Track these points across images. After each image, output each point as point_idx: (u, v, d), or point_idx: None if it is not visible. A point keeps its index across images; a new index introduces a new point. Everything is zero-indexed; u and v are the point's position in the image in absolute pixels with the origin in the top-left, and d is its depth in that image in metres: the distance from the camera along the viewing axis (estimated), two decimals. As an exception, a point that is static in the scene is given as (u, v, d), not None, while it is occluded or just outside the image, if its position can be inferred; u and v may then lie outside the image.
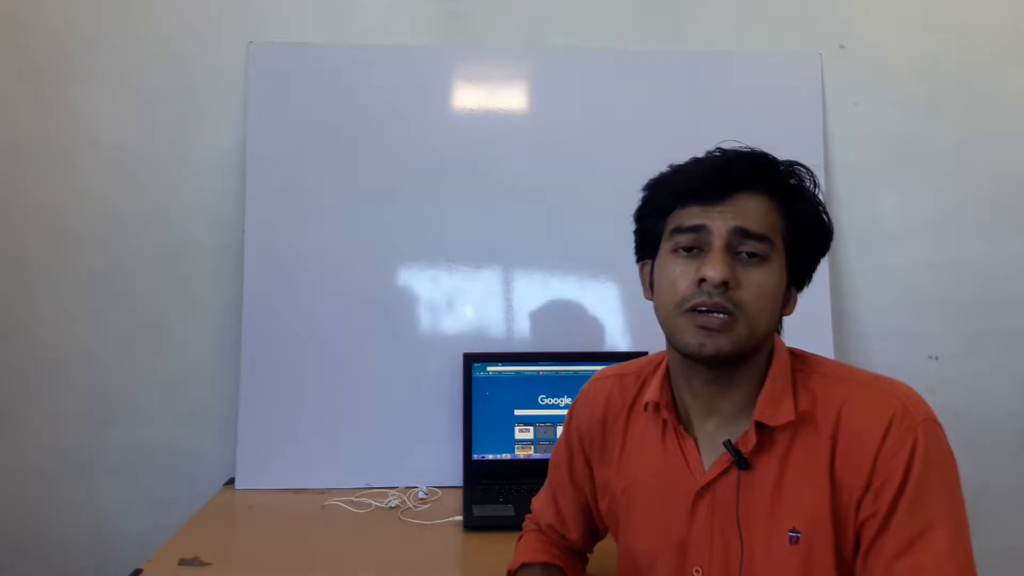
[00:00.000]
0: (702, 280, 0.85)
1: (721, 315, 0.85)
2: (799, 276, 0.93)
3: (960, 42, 1.88)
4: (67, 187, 1.80)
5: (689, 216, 0.88)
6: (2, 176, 1.80)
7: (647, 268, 0.97)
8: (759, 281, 0.86)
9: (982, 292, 1.88)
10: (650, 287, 0.96)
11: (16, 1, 1.79)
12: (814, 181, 0.92)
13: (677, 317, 0.88)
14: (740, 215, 0.86)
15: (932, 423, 0.85)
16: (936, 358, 1.89)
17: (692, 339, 0.86)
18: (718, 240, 0.86)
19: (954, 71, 1.88)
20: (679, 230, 0.89)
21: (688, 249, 0.88)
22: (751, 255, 0.86)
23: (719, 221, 0.86)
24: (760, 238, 0.86)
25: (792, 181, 0.91)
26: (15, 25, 1.79)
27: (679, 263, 0.89)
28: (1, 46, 1.80)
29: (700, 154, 0.93)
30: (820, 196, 0.92)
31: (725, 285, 0.84)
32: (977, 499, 0.86)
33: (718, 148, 0.92)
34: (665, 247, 0.92)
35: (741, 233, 0.86)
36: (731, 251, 0.86)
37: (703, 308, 0.85)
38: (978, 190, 1.88)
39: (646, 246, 0.97)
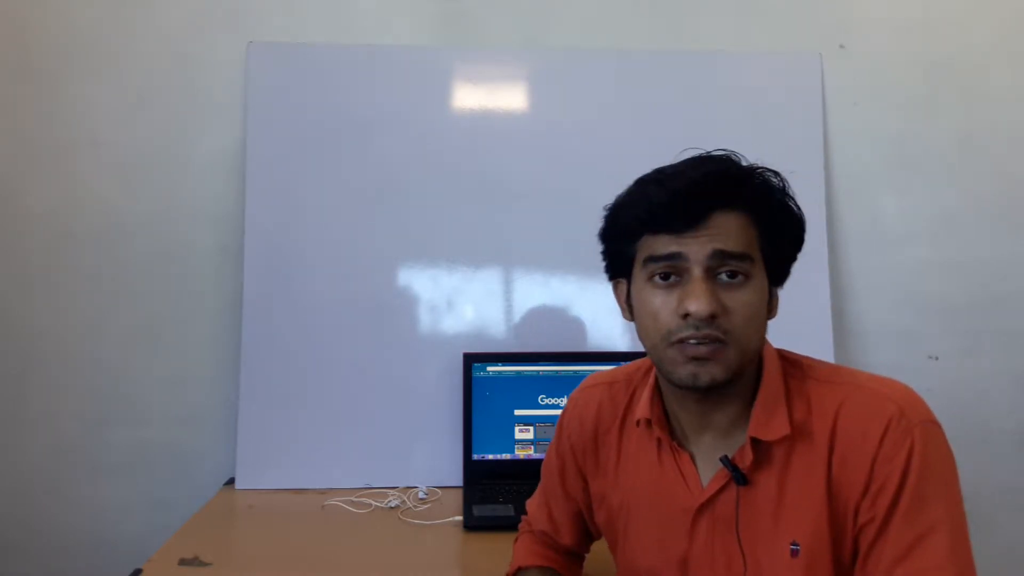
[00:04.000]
0: (686, 314, 0.81)
1: (711, 344, 0.82)
2: (778, 276, 0.90)
3: (960, 42, 1.88)
4: (67, 187, 1.80)
5: (662, 244, 0.84)
6: (2, 176, 1.80)
7: (622, 288, 0.93)
8: (745, 302, 0.83)
9: (982, 292, 1.88)
10: (628, 309, 0.93)
11: (16, 1, 1.79)
12: (784, 183, 0.88)
13: (664, 350, 0.85)
14: (716, 237, 0.82)
15: (930, 425, 0.83)
16: (936, 358, 1.89)
17: (684, 371, 0.83)
18: (696, 268, 0.82)
19: (954, 71, 1.88)
20: (653, 259, 0.84)
21: (665, 276, 0.84)
22: (732, 274, 0.83)
23: (695, 247, 0.82)
24: (741, 257, 0.82)
25: (761, 187, 0.86)
26: (15, 25, 1.79)
27: (658, 294, 0.85)
28: (1, 46, 1.80)
29: (677, 157, 0.89)
30: (791, 195, 0.88)
31: (712, 316, 0.81)
32: (976, 499, 0.86)
33: (682, 162, 0.87)
34: (639, 274, 0.88)
35: (720, 256, 0.82)
36: (711, 275, 0.82)
37: (692, 341, 0.82)
38: (978, 190, 1.88)
39: (617, 267, 0.93)
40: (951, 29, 1.88)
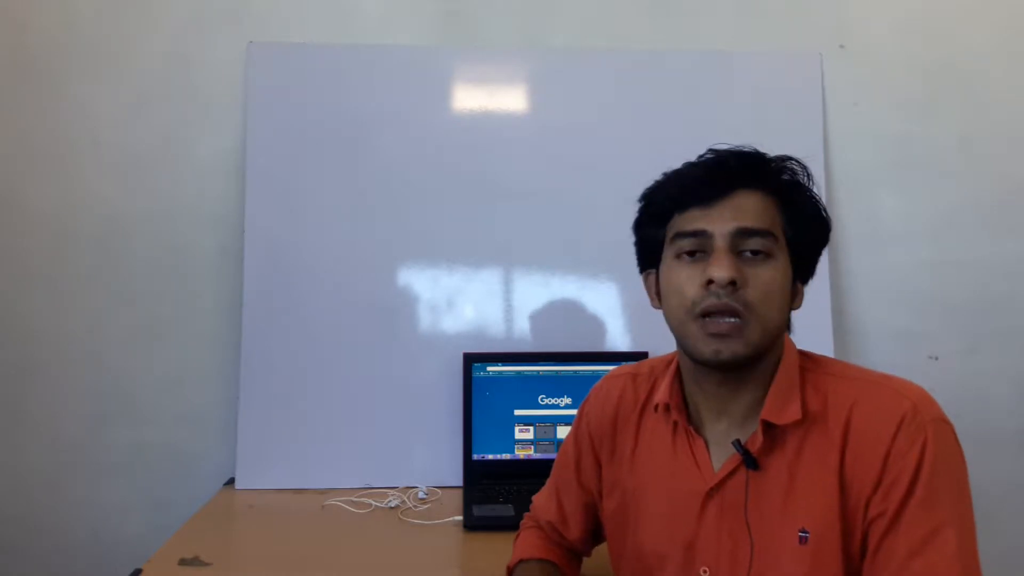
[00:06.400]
0: (709, 282, 0.85)
1: (731, 319, 0.85)
2: (803, 270, 0.93)
3: (960, 42, 1.88)
4: (67, 187, 1.80)
5: (689, 221, 0.89)
6: (2, 176, 1.80)
7: (651, 278, 0.97)
8: (766, 278, 0.86)
9: (982, 292, 1.88)
10: (656, 296, 0.96)
11: (16, 1, 1.79)
12: (808, 175, 0.92)
13: (688, 324, 0.88)
14: (740, 214, 0.87)
15: (942, 423, 0.85)
16: (936, 358, 1.89)
17: (706, 347, 0.86)
18: (720, 241, 0.86)
19: (954, 71, 1.88)
20: (681, 235, 0.89)
21: (691, 254, 0.89)
22: (755, 252, 0.87)
23: (719, 224, 0.87)
24: (763, 234, 0.87)
25: (787, 176, 0.91)
26: (15, 25, 1.79)
27: (684, 268, 0.89)
28: (1, 46, 1.80)
29: (698, 154, 0.93)
30: (815, 189, 0.92)
31: (732, 285, 0.84)
32: (977, 499, 0.85)
33: (710, 150, 0.92)
34: (668, 254, 0.92)
35: (743, 232, 0.86)
36: (735, 251, 0.86)
37: (713, 312, 0.85)
38: (978, 190, 1.88)
39: (648, 256, 0.97)
40: (951, 29, 1.88)
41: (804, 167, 0.92)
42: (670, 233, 0.91)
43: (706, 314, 0.86)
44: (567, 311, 1.81)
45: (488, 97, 1.83)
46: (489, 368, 1.70)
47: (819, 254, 0.94)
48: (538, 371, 1.71)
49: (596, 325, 1.81)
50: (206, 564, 1.32)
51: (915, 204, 1.89)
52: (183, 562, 1.33)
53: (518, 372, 1.70)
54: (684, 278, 0.88)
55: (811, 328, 1.78)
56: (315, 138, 1.79)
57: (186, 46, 1.81)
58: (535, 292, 1.81)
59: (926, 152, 1.88)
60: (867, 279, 1.88)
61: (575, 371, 1.70)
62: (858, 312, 1.88)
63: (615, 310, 1.80)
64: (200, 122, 1.81)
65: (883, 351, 1.88)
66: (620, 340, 1.80)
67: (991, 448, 1.87)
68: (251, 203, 1.76)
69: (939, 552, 0.80)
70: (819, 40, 1.88)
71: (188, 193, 1.81)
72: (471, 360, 1.70)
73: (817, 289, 1.79)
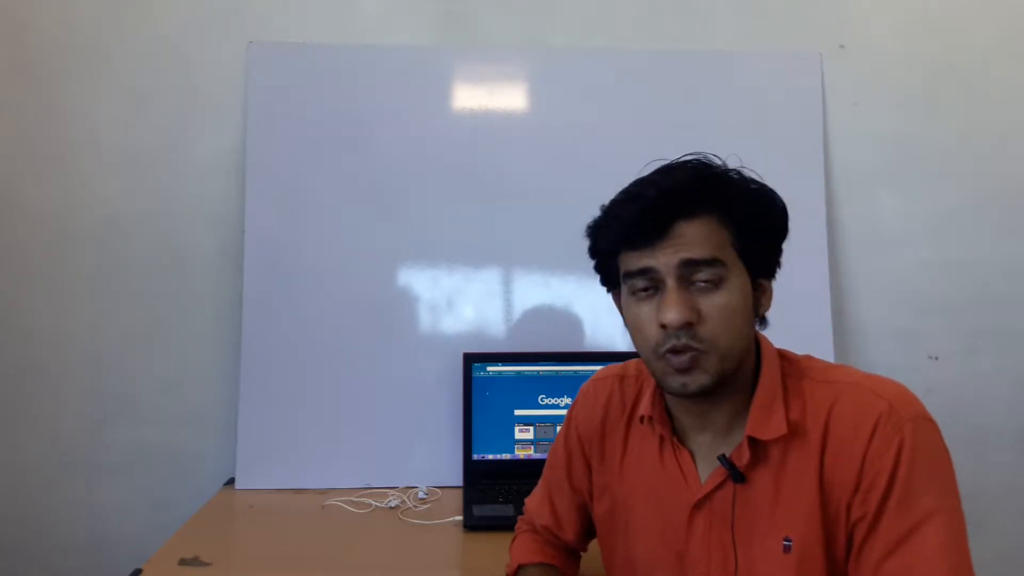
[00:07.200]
0: (664, 324, 0.84)
1: (691, 352, 0.84)
2: (766, 267, 0.91)
3: (960, 42, 1.88)
4: (67, 187, 1.80)
5: (635, 260, 0.87)
6: (2, 176, 1.80)
7: (618, 298, 0.97)
8: (721, 305, 0.85)
9: (982, 292, 1.88)
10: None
11: (16, 1, 1.79)
12: (742, 176, 0.89)
13: (653, 361, 0.88)
14: (684, 246, 0.84)
15: (922, 421, 0.84)
16: (936, 358, 1.89)
17: (673, 382, 0.87)
18: (669, 279, 0.85)
19: (954, 71, 1.88)
20: (629, 275, 0.88)
21: (645, 289, 0.87)
22: (706, 279, 0.85)
23: (663, 258, 0.85)
24: (710, 263, 0.84)
25: (723, 189, 0.87)
26: (15, 25, 1.79)
27: (641, 306, 0.88)
28: (1, 46, 1.80)
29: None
30: (756, 184, 0.89)
31: (688, 324, 0.84)
32: (976, 499, 0.86)
33: (648, 175, 0.89)
34: (624, 287, 0.91)
35: (690, 264, 0.84)
36: (685, 283, 0.85)
37: (674, 353, 0.85)
38: (978, 190, 1.88)
39: (608, 280, 0.97)
40: (951, 29, 1.88)
41: (740, 173, 0.89)
42: (621, 268, 0.90)
43: (669, 352, 0.85)
44: (567, 311, 1.81)
45: (488, 97, 1.83)
46: (489, 368, 1.70)
47: (780, 246, 0.91)
48: (538, 371, 1.71)
49: (596, 325, 1.81)
50: (206, 564, 1.32)
51: (915, 204, 1.89)
52: (183, 562, 1.33)
53: (518, 372, 1.70)
54: (642, 317, 0.88)
55: (811, 328, 1.81)
56: (315, 138, 1.79)
57: (186, 46, 1.81)
58: (535, 292, 1.81)
59: (926, 152, 1.88)
60: (867, 279, 1.88)
61: (575, 371, 1.70)
62: (858, 312, 1.88)
63: (615, 310, 1.79)
64: (200, 122, 1.81)
65: (883, 351, 1.88)
66: (619, 340, 1.80)
67: (991, 448, 1.87)
68: (251, 203, 1.76)
69: (919, 549, 0.79)
70: (819, 40, 1.88)
71: (188, 193, 1.81)
72: (471, 360, 1.70)
73: (817, 290, 1.82)
